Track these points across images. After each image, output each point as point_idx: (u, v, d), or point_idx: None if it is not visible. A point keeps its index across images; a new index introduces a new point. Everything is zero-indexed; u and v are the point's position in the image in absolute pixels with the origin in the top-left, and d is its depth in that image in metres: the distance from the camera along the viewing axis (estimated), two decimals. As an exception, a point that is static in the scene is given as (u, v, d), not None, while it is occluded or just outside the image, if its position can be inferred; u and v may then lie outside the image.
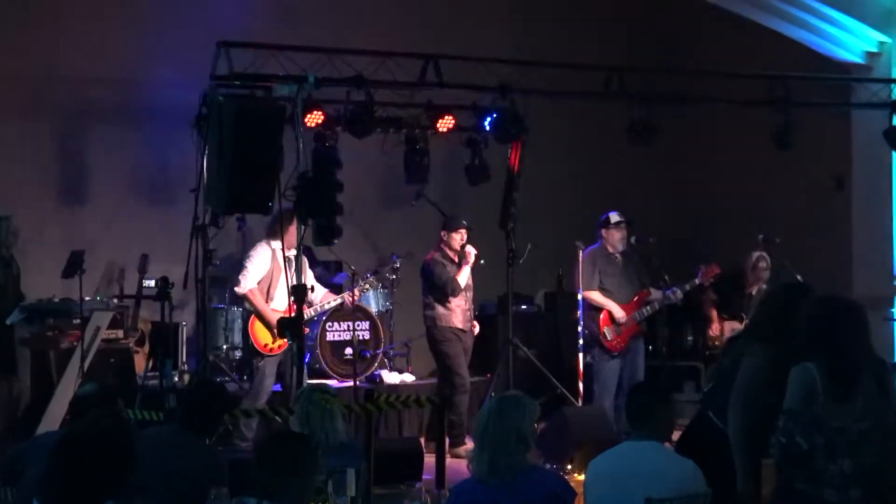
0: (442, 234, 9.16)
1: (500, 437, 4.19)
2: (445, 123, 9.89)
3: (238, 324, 10.14)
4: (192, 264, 8.14)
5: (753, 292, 9.86)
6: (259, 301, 8.40)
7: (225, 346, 10.03)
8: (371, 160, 10.15)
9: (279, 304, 8.41)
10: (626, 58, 10.56)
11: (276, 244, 8.39)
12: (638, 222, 9.47)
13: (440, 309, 9.02)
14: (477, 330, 9.31)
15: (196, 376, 8.68)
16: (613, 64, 9.71)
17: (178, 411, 5.61)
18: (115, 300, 9.50)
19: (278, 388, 8.72)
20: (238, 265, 8.80)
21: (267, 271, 8.39)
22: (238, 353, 10.12)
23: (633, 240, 9.24)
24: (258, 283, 8.54)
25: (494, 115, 9.67)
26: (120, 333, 9.26)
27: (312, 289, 8.82)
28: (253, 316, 8.37)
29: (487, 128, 9.85)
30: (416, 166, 10.00)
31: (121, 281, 10.02)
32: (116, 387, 8.56)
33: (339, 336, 10.02)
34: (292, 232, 8.39)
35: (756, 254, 9.92)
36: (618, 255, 9.17)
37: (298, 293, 7.67)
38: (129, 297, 9.60)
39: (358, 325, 9.91)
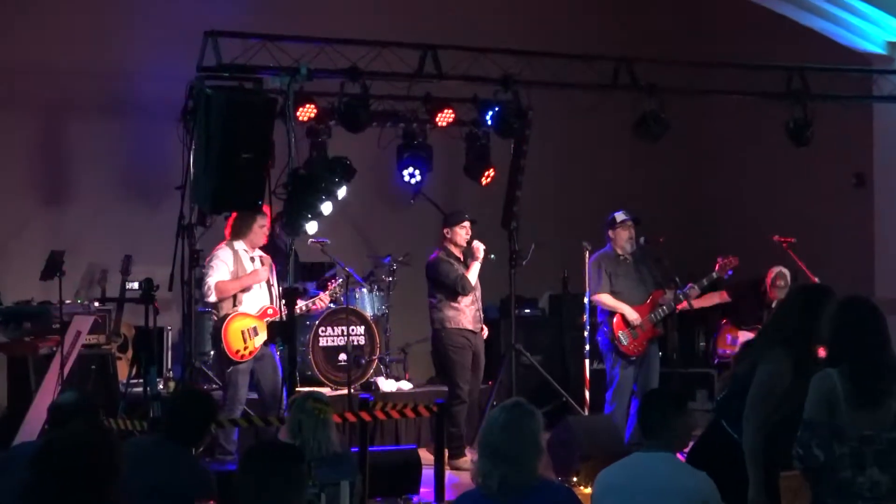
0: (444, 231, 9.11)
1: (513, 450, 4.10)
2: (445, 117, 9.88)
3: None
4: (177, 265, 8.12)
5: (773, 305, 9.81)
6: (231, 285, 8.28)
7: (212, 352, 10.00)
8: (366, 156, 10.13)
9: (248, 308, 8.33)
10: (635, 48, 10.54)
11: (239, 245, 8.35)
12: (648, 222, 9.45)
13: (449, 310, 8.98)
14: (486, 333, 9.26)
15: (182, 384, 8.65)
16: (622, 54, 9.69)
17: (163, 421, 5.60)
18: (97, 303, 9.48)
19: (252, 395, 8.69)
20: (199, 275, 8.46)
21: (231, 274, 8.31)
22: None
23: (642, 240, 9.22)
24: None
25: (496, 109, 9.66)
26: (102, 338, 9.24)
27: (304, 292, 8.80)
28: (228, 319, 8.27)
29: (489, 122, 9.84)
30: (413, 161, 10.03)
31: (103, 283, 10.00)
32: (97, 395, 8.58)
33: (333, 341, 9.99)
34: (256, 231, 8.35)
35: (776, 270, 9.89)
36: (627, 256, 9.14)
37: (290, 296, 7.66)
38: (112, 300, 9.58)
39: (352, 330, 9.89)
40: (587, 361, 9.29)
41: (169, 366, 9.86)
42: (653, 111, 9.63)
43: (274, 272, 8.52)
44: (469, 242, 9.02)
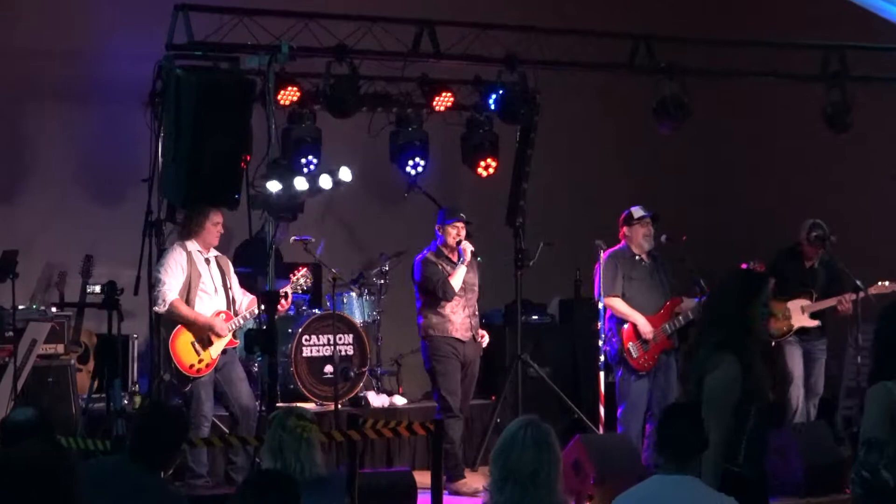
0: (436, 228, 9.10)
1: (540, 471, 4.08)
2: (443, 101, 9.87)
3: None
4: (144, 267, 8.10)
5: (815, 265, 9.74)
6: (184, 309, 8.29)
7: (166, 375, 9.98)
8: (355, 144, 10.11)
9: (200, 314, 8.31)
10: (654, 24, 10.54)
11: (193, 245, 8.33)
12: (669, 218, 9.44)
13: (433, 317, 8.98)
14: (486, 340, 9.24)
15: (149, 399, 8.64)
16: (640, 31, 9.68)
17: (128, 440, 5.57)
18: (54, 309, 9.46)
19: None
20: (151, 278, 8.34)
21: (184, 279, 8.29)
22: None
23: (662, 238, 9.21)
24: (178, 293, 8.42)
25: (500, 92, 9.65)
26: (60, 348, 9.22)
27: (287, 296, 8.77)
28: (173, 334, 8.25)
29: (492, 106, 9.83)
30: (407, 151, 10.01)
31: (61, 286, 9.99)
32: (55, 411, 8.55)
33: (318, 351, 9.98)
34: (210, 230, 8.34)
35: (808, 221, 9.77)
36: (644, 257, 9.13)
37: (270, 300, 7.64)
38: (71, 306, 9.56)
39: (340, 339, 9.88)
40: (601, 374, 9.28)
41: (135, 378, 9.83)
42: (674, 94, 9.63)
43: (231, 272, 8.53)
44: (458, 243, 8.99)
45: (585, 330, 10.44)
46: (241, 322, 8.42)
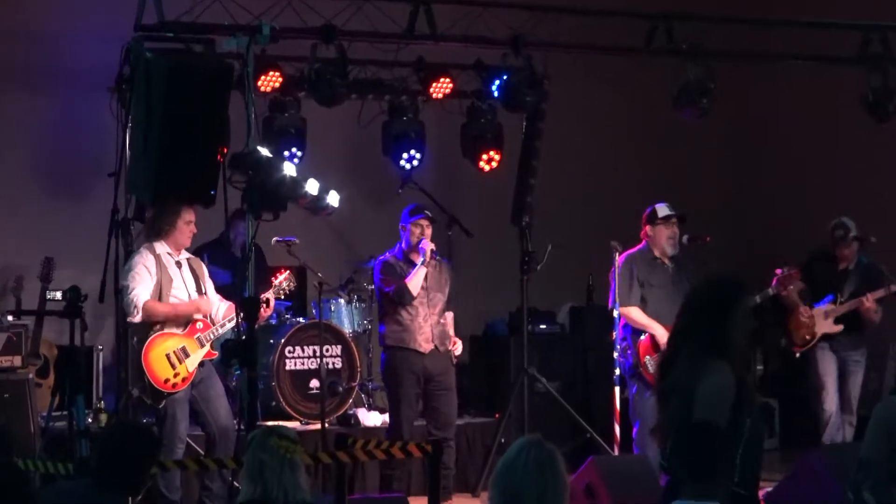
0: (400, 228, 9.09)
1: (545, 497, 4.10)
2: (441, 88, 9.88)
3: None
4: (111, 271, 8.11)
5: (850, 266, 9.77)
6: (160, 307, 8.25)
7: (135, 390, 9.98)
8: (344, 135, 10.13)
9: (174, 324, 8.30)
10: (675, 2, 10.55)
11: (162, 247, 8.32)
12: (691, 216, 9.45)
13: (391, 324, 8.98)
14: (458, 349, 9.14)
15: (116, 417, 8.63)
16: (660, 10, 9.70)
17: (93, 463, 5.59)
18: (10, 317, 9.46)
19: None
20: (118, 284, 8.27)
21: (154, 284, 8.28)
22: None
23: (684, 239, 9.22)
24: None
25: (505, 77, 9.66)
26: (17, 360, 9.22)
27: (267, 302, 8.77)
28: (146, 345, 8.24)
29: (496, 93, 9.84)
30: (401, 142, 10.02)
31: (18, 292, 9.99)
32: (11, 429, 8.55)
33: (303, 364, 9.98)
34: (181, 230, 8.33)
35: (833, 222, 9.82)
36: (666, 261, 9.13)
37: (249, 307, 7.63)
38: (29, 314, 9.56)
39: (327, 350, 9.88)
40: (617, 389, 9.30)
41: (100, 394, 9.84)
42: (697, 81, 9.64)
43: (206, 276, 8.52)
44: (419, 242, 8.93)
45: (599, 341, 10.44)
46: (219, 331, 8.42)
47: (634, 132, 12.29)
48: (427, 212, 9.00)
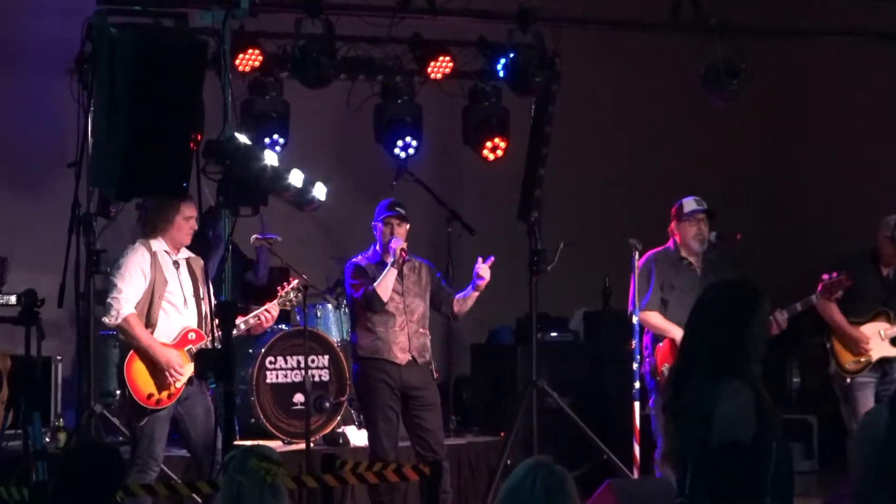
0: (373, 226, 9.04)
1: None
2: (440, 67, 9.87)
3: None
4: (71, 272, 8.09)
5: (891, 274, 9.56)
6: (140, 330, 8.25)
7: (119, 392, 10.00)
8: (331, 120, 10.12)
9: (164, 334, 8.28)
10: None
11: (159, 245, 8.29)
12: (720, 212, 9.44)
13: (363, 334, 8.94)
14: (484, 271, 8.91)
15: (77, 436, 8.63)
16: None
17: (51, 487, 5.58)
18: (-41, 324, 9.47)
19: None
20: (103, 285, 8.33)
21: (146, 286, 8.25)
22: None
23: (712, 237, 9.21)
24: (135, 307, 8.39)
25: (511, 56, 9.65)
26: (-34, 373, 9.23)
27: (245, 309, 8.76)
28: (130, 355, 8.23)
29: (501, 74, 9.83)
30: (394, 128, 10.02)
31: (-33, 296, 10.00)
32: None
33: (286, 376, 9.98)
34: (180, 226, 8.30)
35: (881, 221, 9.61)
36: (693, 261, 9.13)
37: (227, 313, 7.61)
38: (-21, 320, 9.57)
39: (312, 361, 9.87)
40: (637, 404, 9.29)
41: (59, 411, 9.84)
42: (726, 59, 9.63)
43: (208, 280, 8.48)
44: (390, 241, 8.87)
45: (616, 350, 10.44)
46: (216, 344, 8.36)
47: (656, 118, 12.29)
48: (399, 209, 8.86)
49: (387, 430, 8.83)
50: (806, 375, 11.45)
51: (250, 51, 9.24)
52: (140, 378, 8.17)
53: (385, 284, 8.76)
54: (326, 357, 10.03)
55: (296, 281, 8.91)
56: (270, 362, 9.89)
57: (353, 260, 8.97)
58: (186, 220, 8.31)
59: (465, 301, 8.96)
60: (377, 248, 8.92)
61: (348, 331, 10.39)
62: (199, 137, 7.39)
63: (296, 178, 8.15)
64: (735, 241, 9.30)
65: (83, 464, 5.27)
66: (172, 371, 8.15)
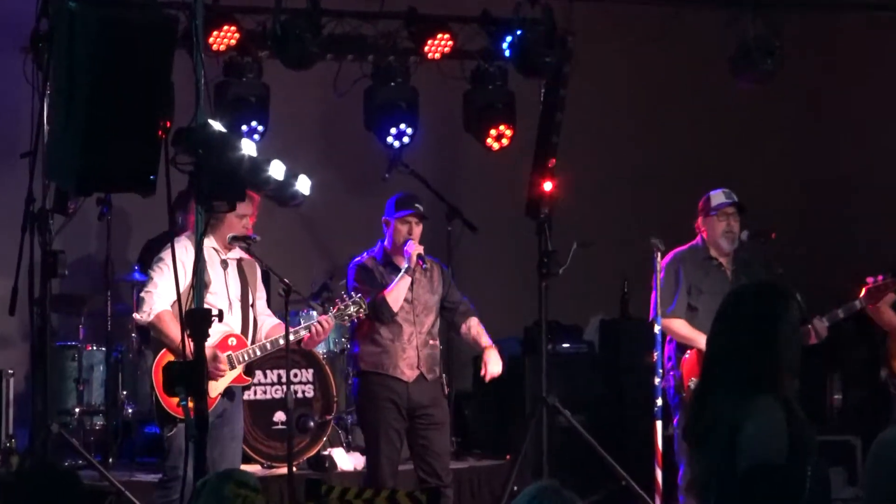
0: (383, 222, 9.02)
1: None
2: (438, 46, 9.88)
3: (101, 370, 10.12)
4: (24, 276, 8.11)
5: None
6: (173, 328, 8.29)
7: (78, 409, 10.01)
8: (316, 105, 10.12)
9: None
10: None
11: (208, 242, 8.29)
12: (753, 207, 9.45)
13: (366, 344, 8.91)
14: (495, 364, 9.00)
15: (31, 458, 8.64)
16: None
17: (2, 516, 5.60)
18: None
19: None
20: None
21: (185, 285, 8.26)
22: (100, 420, 10.12)
23: (743, 234, 9.23)
24: (171, 305, 8.44)
25: (518, 34, 9.66)
26: None
27: (220, 316, 8.75)
28: (161, 354, 8.26)
29: (507, 53, 9.84)
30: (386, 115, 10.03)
31: None
32: None
33: (265, 392, 9.99)
34: (233, 225, 8.28)
35: None
36: (723, 261, 9.15)
37: (197, 320, 7.63)
38: (-78, 330, 9.60)
39: (295, 375, 9.89)
40: (659, 424, 9.30)
41: (10, 431, 9.84)
42: (758, 37, 9.64)
43: (258, 283, 8.53)
44: (405, 244, 8.84)
45: (636, 362, 10.46)
46: (257, 353, 8.41)
47: (680, 102, 12.29)
48: (418, 205, 8.87)
49: (388, 453, 8.80)
50: (849, 391, 11.46)
51: (225, 27, 9.25)
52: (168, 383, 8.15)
53: (397, 293, 8.71)
54: (311, 371, 10.05)
55: (359, 295, 8.78)
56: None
57: (357, 260, 8.91)
58: (240, 219, 8.34)
59: (474, 339, 8.99)
60: (385, 244, 8.87)
61: (335, 341, 10.41)
62: (167, 125, 7.40)
63: (277, 170, 8.19)
64: (769, 239, 9.30)
65: (38, 490, 5.28)
66: (210, 369, 8.15)
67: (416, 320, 8.83)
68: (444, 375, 9.04)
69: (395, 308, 8.70)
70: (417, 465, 8.93)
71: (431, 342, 8.90)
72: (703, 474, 5.12)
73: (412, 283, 8.79)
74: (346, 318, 8.77)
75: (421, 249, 8.73)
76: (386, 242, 8.87)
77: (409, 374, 8.78)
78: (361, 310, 8.72)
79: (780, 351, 5.05)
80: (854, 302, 9.27)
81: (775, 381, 5.05)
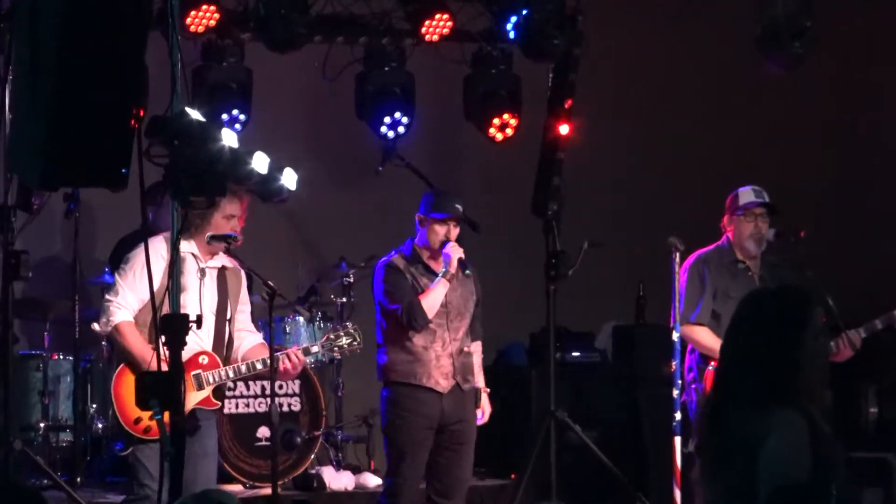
0: (417, 219, 9.02)
1: None
2: (437, 27, 9.88)
3: (68, 382, 10.10)
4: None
5: None
6: (133, 339, 8.24)
7: (43, 425, 10.00)
8: (303, 92, 10.11)
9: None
10: None
11: (188, 247, 8.25)
12: (782, 206, 9.45)
13: (397, 352, 8.88)
14: (486, 403, 9.07)
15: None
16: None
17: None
18: None
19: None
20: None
21: (158, 288, 8.20)
22: (67, 436, 10.11)
23: (771, 234, 9.23)
24: (139, 310, 8.41)
25: (524, 13, 9.66)
26: None
27: (199, 322, 8.72)
28: (121, 368, 8.24)
29: (512, 34, 9.83)
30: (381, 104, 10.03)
31: None
32: None
33: (247, 406, 10.00)
34: (218, 225, 8.26)
35: None
36: (750, 263, 9.15)
37: (173, 328, 7.62)
38: None
39: (280, 387, 9.89)
40: (678, 440, 9.30)
41: (-31, 447, 9.86)
42: (789, 16, 9.63)
43: (243, 296, 8.47)
44: (443, 245, 8.83)
45: (653, 373, 10.46)
46: (230, 375, 8.32)
47: (702, 89, 12.29)
48: (459, 206, 8.84)
49: (412, 475, 8.76)
50: (885, 405, 11.46)
51: (204, 7, 9.23)
52: (128, 397, 8.10)
53: (434, 299, 8.69)
54: (297, 383, 10.04)
55: (354, 326, 8.70)
56: (229, 389, 9.89)
57: (384, 259, 8.87)
58: (227, 220, 8.27)
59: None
60: (416, 242, 8.85)
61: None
62: (141, 113, 7.40)
63: (260, 162, 8.16)
64: (798, 238, 9.29)
65: (-1, 512, 5.28)
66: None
67: (449, 326, 8.82)
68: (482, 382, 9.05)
69: (431, 315, 8.69)
70: (431, 485, 8.90)
71: (466, 349, 8.89)
72: (721, 494, 5.11)
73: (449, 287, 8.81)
74: (337, 349, 8.72)
75: (461, 253, 8.72)
76: (417, 240, 8.84)
77: (445, 385, 8.77)
78: (355, 343, 8.65)
79: (802, 360, 5.04)
80: (891, 313, 9.27)
81: (797, 393, 5.05)
